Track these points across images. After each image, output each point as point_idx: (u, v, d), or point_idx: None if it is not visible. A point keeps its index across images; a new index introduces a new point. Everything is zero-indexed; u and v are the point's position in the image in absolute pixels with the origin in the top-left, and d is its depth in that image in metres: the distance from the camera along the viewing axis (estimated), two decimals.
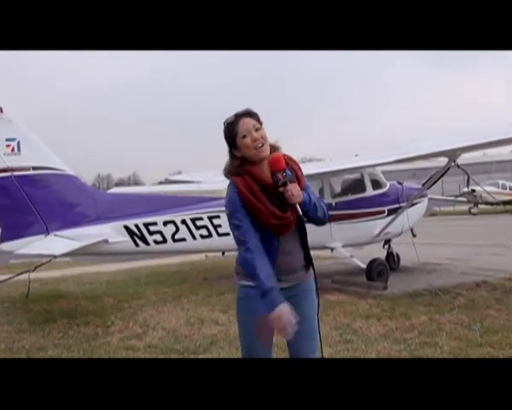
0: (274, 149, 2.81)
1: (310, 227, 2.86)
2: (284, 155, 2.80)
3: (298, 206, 2.68)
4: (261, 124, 2.77)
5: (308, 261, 2.87)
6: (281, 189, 2.66)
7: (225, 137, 2.79)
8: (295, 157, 2.88)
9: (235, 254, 2.94)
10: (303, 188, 2.76)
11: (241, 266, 2.82)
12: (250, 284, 2.73)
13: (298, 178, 2.74)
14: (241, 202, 2.71)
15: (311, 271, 2.89)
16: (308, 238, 2.85)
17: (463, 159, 8.85)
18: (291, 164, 2.78)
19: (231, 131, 2.75)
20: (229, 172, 2.83)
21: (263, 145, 2.72)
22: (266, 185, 2.72)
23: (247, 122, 2.73)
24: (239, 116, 2.75)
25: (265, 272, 2.59)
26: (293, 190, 2.64)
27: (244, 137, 2.71)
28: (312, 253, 2.92)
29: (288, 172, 2.66)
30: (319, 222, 2.85)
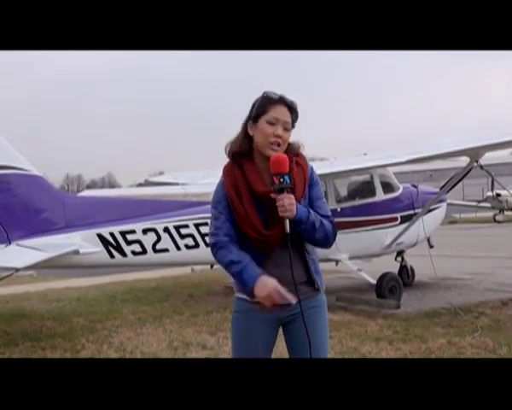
0: (291, 149, 2.78)
1: None
2: (298, 157, 2.79)
3: (287, 221, 2.59)
4: (293, 126, 2.78)
5: (309, 277, 2.81)
6: (273, 194, 2.61)
7: (253, 105, 2.78)
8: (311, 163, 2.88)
9: None
10: (299, 199, 2.70)
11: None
12: (245, 297, 2.77)
13: (295, 186, 2.69)
14: (226, 195, 2.77)
15: (321, 284, 2.86)
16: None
17: (487, 159, 8.90)
18: (298, 171, 2.75)
19: (263, 106, 2.73)
20: (230, 151, 2.81)
21: (278, 145, 2.71)
22: (258, 194, 2.72)
23: (283, 113, 2.72)
24: (280, 101, 2.73)
25: (235, 253, 2.71)
26: (286, 201, 2.57)
27: (269, 123, 2.70)
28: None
29: (287, 178, 2.59)
30: (319, 245, 2.82)
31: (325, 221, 2.77)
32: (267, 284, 2.60)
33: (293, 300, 2.62)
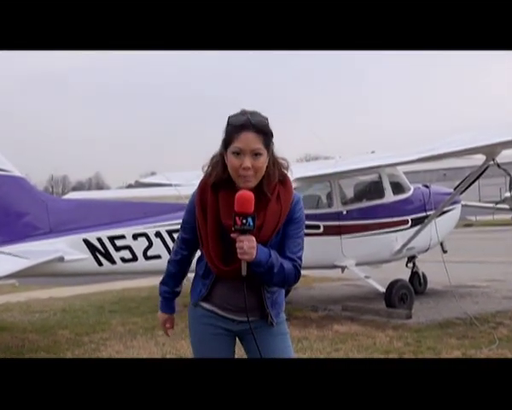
0: (273, 175, 2.76)
1: (316, 241, 2.88)
2: (282, 186, 2.80)
3: (245, 263, 2.61)
4: (268, 147, 2.71)
5: (263, 310, 2.86)
6: (233, 235, 2.60)
7: (223, 134, 2.75)
8: (293, 177, 2.91)
9: None
10: (265, 240, 2.70)
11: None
12: (203, 303, 2.97)
13: (264, 225, 2.70)
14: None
15: (277, 316, 2.92)
16: (314, 255, 2.85)
17: (505, 156, 8.89)
18: (273, 209, 2.74)
19: (227, 135, 2.71)
20: (209, 180, 2.82)
21: (249, 178, 2.67)
22: (225, 227, 2.70)
23: (249, 141, 2.65)
24: (244, 127, 2.65)
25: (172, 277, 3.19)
26: (246, 244, 2.56)
27: (235, 154, 2.66)
28: (319, 273, 2.92)
29: (250, 220, 2.56)
30: (273, 286, 2.85)
31: (288, 265, 2.75)
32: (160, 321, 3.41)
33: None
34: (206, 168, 2.84)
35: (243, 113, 2.71)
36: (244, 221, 2.56)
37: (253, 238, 2.59)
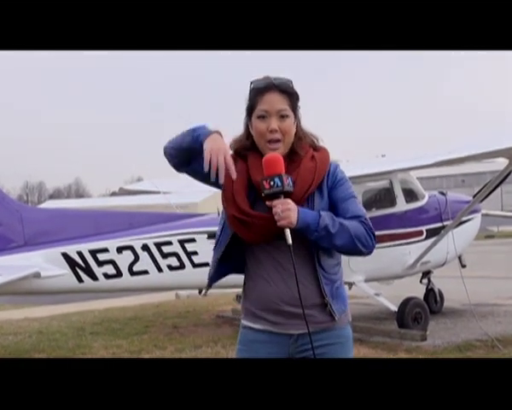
0: (304, 140, 2.78)
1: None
2: (316, 151, 2.78)
3: (288, 231, 2.56)
4: (295, 109, 2.75)
5: (322, 300, 2.72)
6: (268, 202, 2.59)
7: (247, 101, 2.80)
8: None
9: (217, 292, 2.98)
10: (301, 199, 2.66)
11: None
12: (253, 325, 2.79)
13: (297, 184, 2.66)
14: None
15: (341, 313, 2.80)
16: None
17: None
18: (308, 166, 2.71)
19: (251, 100, 2.76)
20: (233, 149, 2.82)
21: (278, 141, 2.70)
22: (255, 184, 2.71)
23: (274, 101, 2.70)
24: (268, 88, 2.71)
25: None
26: (279, 207, 2.54)
27: (260, 117, 2.71)
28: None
29: (278, 180, 2.55)
30: (352, 254, 2.78)
31: (351, 223, 2.67)
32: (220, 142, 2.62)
33: (233, 175, 2.62)
34: (232, 143, 2.86)
35: (265, 77, 2.76)
36: (272, 183, 2.55)
37: (288, 200, 2.57)
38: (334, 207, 2.75)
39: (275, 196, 2.56)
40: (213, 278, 2.91)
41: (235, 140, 2.85)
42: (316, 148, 2.82)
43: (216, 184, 2.74)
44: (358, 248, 2.69)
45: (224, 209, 2.80)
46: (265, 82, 2.73)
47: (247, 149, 2.80)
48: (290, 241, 2.55)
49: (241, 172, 2.73)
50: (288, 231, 2.56)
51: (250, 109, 2.76)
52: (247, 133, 2.81)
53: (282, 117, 2.70)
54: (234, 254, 2.82)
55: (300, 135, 2.79)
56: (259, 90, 2.72)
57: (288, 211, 2.54)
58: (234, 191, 2.71)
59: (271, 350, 2.75)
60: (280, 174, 2.56)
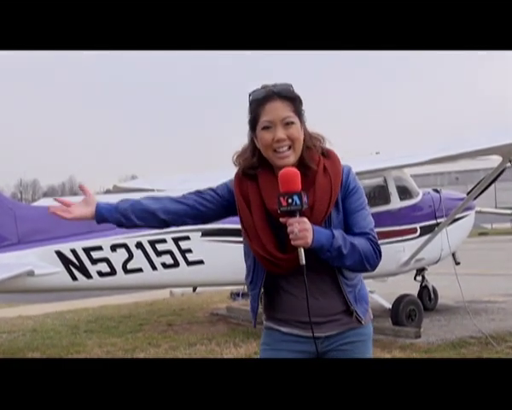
0: (313, 147, 2.72)
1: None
2: (327, 159, 2.74)
3: (302, 250, 2.52)
4: (299, 114, 2.69)
5: (348, 307, 2.77)
6: (282, 219, 2.53)
7: (248, 115, 2.74)
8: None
9: (211, 289, 2.98)
10: (320, 221, 2.63)
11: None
12: (280, 328, 2.80)
13: (315, 204, 2.62)
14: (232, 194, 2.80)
15: (365, 312, 2.85)
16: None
17: None
18: (322, 183, 2.67)
19: (253, 112, 2.69)
20: (240, 167, 2.79)
21: (288, 149, 2.64)
22: (272, 213, 2.65)
23: (277, 110, 2.63)
24: (268, 97, 2.64)
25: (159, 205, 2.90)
26: (296, 227, 2.48)
27: (265, 128, 2.64)
28: None
29: (297, 198, 2.47)
30: (356, 271, 2.77)
31: (360, 241, 2.67)
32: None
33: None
34: (236, 158, 2.83)
35: (263, 86, 2.71)
36: (290, 200, 2.47)
37: (305, 219, 2.51)
38: (345, 216, 2.74)
39: (291, 213, 2.51)
40: (257, 311, 2.89)
41: (241, 157, 2.81)
42: (324, 153, 2.77)
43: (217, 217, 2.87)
44: (366, 267, 2.71)
45: (247, 243, 2.78)
46: (265, 91, 2.66)
47: (254, 167, 2.75)
48: (304, 261, 2.52)
49: (255, 200, 2.71)
50: (301, 251, 2.52)
51: (253, 122, 2.69)
52: (253, 149, 2.76)
53: (288, 124, 2.63)
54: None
55: (309, 144, 2.72)
56: (260, 101, 2.66)
57: (305, 231, 2.50)
58: (256, 228, 2.69)
59: (295, 347, 2.79)
60: (299, 192, 2.49)
